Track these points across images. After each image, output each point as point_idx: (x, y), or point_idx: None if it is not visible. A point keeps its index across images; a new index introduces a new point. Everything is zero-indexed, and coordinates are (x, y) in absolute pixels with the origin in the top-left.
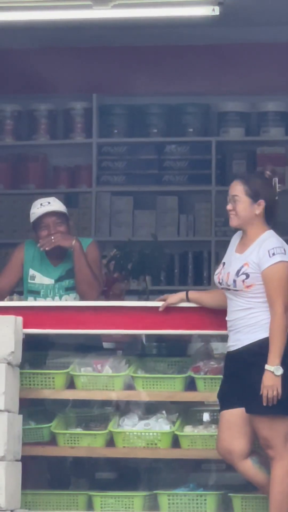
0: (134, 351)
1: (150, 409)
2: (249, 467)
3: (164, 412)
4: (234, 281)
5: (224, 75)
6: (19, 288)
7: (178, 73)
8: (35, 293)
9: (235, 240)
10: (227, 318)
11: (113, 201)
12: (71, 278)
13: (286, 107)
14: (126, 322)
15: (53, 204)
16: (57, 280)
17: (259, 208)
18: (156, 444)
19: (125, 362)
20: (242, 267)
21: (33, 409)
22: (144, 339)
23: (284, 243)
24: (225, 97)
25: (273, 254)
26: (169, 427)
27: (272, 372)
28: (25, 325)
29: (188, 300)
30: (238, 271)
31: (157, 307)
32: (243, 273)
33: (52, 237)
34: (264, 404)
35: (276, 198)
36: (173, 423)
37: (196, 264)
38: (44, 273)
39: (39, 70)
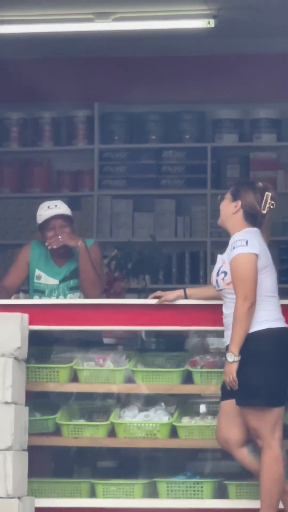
0: (134, 346)
1: (149, 401)
2: (245, 455)
3: (162, 404)
4: (216, 281)
5: (219, 84)
6: (24, 287)
7: (175, 82)
8: (41, 292)
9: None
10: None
11: (114, 204)
12: (75, 278)
13: (278, 114)
14: (126, 318)
15: (60, 207)
16: (62, 280)
17: (235, 208)
18: (155, 434)
19: (126, 356)
20: (221, 266)
21: (38, 401)
22: (143, 335)
23: (252, 236)
24: (220, 105)
25: (234, 247)
26: (168, 418)
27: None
28: (31, 322)
29: (186, 297)
30: (218, 271)
31: (155, 304)
32: (222, 272)
33: (60, 237)
34: (228, 388)
35: (264, 211)
36: (171, 414)
37: (193, 263)
38: (49, 274)
39: (43, 80)
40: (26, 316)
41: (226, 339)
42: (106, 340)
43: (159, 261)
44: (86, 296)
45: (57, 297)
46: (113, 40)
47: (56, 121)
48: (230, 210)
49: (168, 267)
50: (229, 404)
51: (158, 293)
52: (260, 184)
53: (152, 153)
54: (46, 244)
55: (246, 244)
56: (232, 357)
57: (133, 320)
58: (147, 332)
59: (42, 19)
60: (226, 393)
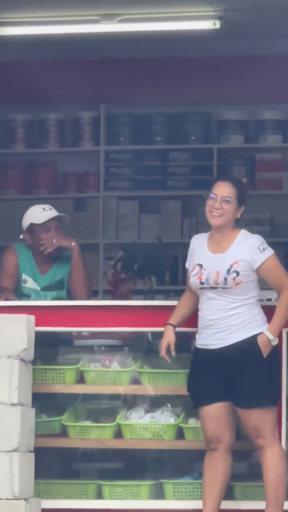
0: (140, 347)
1: (155, 402)
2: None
3: (169, 405)
4: (225, 279)
5: (224, 85)
6: None
7: (180, 83)
8: (27, 297)
9: (200, 241)
10: (204, 316)
11: (120, 205)
12: (59, 289)
13: (283, 115)
14: (133, 320)
15: (53, 210)
16: (44, 289)
17: (239, 212)
18: (161, 435)
19: (132, 358)
20: (232, 265)
21: (44, 402)
22: (149, 336)
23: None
24: (225, 106)
25: (263, 249)
26: (174, 419)
27: (269, 340)
28: (37, 323)
29: (175, 328)
30: (228, 270)
31: (161, 306)
32: (234, 271)
33: (54, 240)
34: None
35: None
36: (178, 416)
37: None
38: (33, 279)
39: (49, 81)
40: (32, 317)
41: (219, 342)
42: (111, 342)
43: (165, 262)
44: (76, 296)
45: None
46: (118, 42)
47: (62, 122)
48: (235, 215)
49: (174, 268)
50: (215, 408)
51: (163, 346)
52: (245, 180)
53: (158, 155)
54: (42, 247)
55: (267, 245)
56: (276, 341)
57: (139, 321)
58: (152, 333)
59: (48, 21)
60: (209, 397)
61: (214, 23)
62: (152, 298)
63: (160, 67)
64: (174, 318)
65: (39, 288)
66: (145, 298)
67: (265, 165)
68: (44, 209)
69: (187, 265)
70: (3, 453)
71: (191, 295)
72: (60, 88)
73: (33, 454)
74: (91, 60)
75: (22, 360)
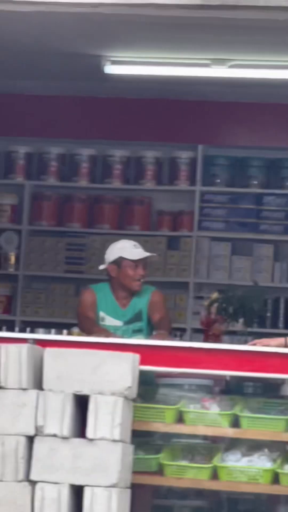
0: (235, 390)
1: (252, 446)
2: None
3: (266, 450)
4: None
5: None
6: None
7: (279, 129)
8: None
9: None
10: None
11: (212, 246)
12: (138, 321)
13: None
14: (234, 363)
15: (142, 248)
16: (126, 323)
17: None
18: (257, 479)
19: (231, 401)
20: None
21: (141, 440)
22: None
23: None
24: None
25: None
26: (271, 464)
27: None
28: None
29: (286, 345)
30: None
31: (261, 352)
32: None
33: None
34: None
35: None
36: (274, 461)
37: None
38: (113, 315)
39: (148, 119)
40: (137, 356)
41: None
42: (201, 381)
43: (259, 306)
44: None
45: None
46: (220, 85)
47: (159, 161)
48: None
49: (263, 311)
50: None
51: (257, 341)
52: None
53: (253, 198)
54: (136, 284)
55: None
56: None
57: (240, 365)
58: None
59: (157, 62)
60: None
61: None
62: (246, 341)
63: (259, 111)
64: None
65: (121, 323)
66: (237, 341)
67: None
68: (135, 245)
69: None
70: (103, 488)
71: None
72: (160, 127)
73: (129, 490)
74: (192, 101)
75: (125, 398)
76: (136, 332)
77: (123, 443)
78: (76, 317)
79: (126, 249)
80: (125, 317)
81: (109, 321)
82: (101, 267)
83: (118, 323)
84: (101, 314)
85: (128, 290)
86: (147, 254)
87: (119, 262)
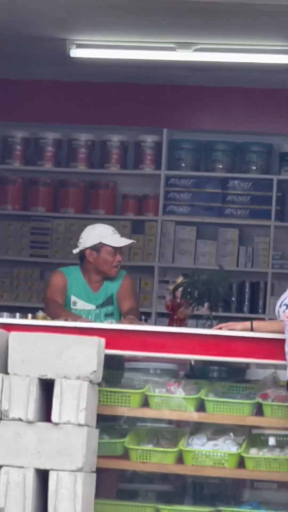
0: (201, 374)
1: (218, 431)
2: None
3: (231, 434)
4: (278, 311)
5: None
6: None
7: (245, 113)
8: None
9: None
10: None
11: (177, 230)
12: (110, 305)
13: None
14: (199, 348)
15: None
16: (99, 306)
17: None
18: (223, 464)
19: (196, 385)
20: (285, 298)
21: (106, 424)
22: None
23: None
24: None
25: None
26: (236, 448)
27: None
28: (106, 346)
29: (252, 329)
30: (281, 302)
31: (226, 336)
32: (284, 304)
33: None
34: None
35: None
36: (240, 445)
37: (253, 293)
38: (85, 299)
39: (114, 103)
40: (103, 340)
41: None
42: (166, 366)
43: (224, 290)
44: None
45: (94, 322)
46: (187, 69)
47: (125, 145)
48: None
49: (228, 295)
50: None
51: (222, 325)
52: None
53: (218, 182)
54: (114, 270)
55: None
56: None
57: (206, 349)
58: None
59: (123, 45)
60: None
61: None
62: (211, 325)
63: (225, 96)
64: (259, 322)
65: (94, 307)
66: (202, 325)
67: None
68: (114, 231)
69: None
70: (68, 473)
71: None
72: (125, 111)
73: (95, 474)
74: (157, 85)
75: (90, 381)
76: (109, 316)
77: (88, 427)
78: (41, 301)
79: (107, 235)
80: (98, 300)
81: (81, 305)
82: (76, 250)
83: (90, 307)
84: (73, 298)
85: (102, 275)
86: (129, 241)
87: (98, 247)
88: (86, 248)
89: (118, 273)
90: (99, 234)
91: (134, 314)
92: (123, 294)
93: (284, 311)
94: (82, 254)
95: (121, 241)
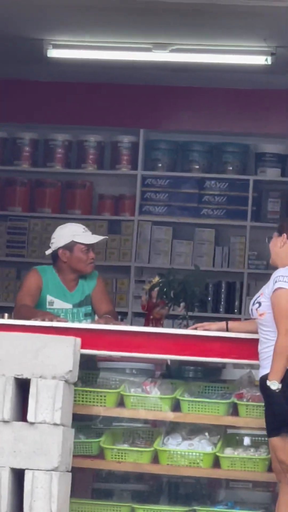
0: (176, 374)
1: (193, 430)
2: None
3: (206, 434)
4: (251, 309)
5: (264, 118)
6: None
7: (221, 114)
8: None
9: None
10: None
11: (154, 230)
12: (88, 304)
13: None
14: (176, 348)
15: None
16: (76, 305)
17: (281, 242)
18: (198, 463)
19: (172, 385)
20: (258, 296)
21: (82, 423)
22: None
23: None
24: (264, 139)
25: (275, 281)
26: (211, 448)
27: (269, 386)
28: (82, 346)
29: (227, 330)
30: (254, 300)
31: (202, 336)
32: (257, 302)
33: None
34: None
35: None
36: (215, 445)
37: (229, 293)
38: (62, 299)
39: (91, 104)
40: (78, 340)
41: (261, 371)
42: (145, 365)
43: (200, 290)
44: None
45: (73, 321)
46: (164, 70)
47: (101, 145)
48: (277, 245)
49: (204, 296)
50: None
51: (198, 325)
52: None
53: (194, 183)
54: (89, 266)
55: (284, 278)
56: (276, 385)
57: (182, 349)
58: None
59: (99, 46)
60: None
61: (266, 59)
62: (187, 325)
63: (201, 96)
64: (234, 323)
65: (71, 306)
66: (173, 324)
67: None
68: (84, 229)
69: None
70: (44, 472)
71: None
72: (102, 111)
73: (70, 473)
74: (134, 85)
75: (66, 381)
76: (88, 315)
77: (64, 426)
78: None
79: (78, 233)
80: (74, 299)
81: (58, 304)
82: (48, 251)
83: (67, 306)
84: (49, 298)
85: (77, 273)
86: (101, 237)
87: (70, 246)
88: (59, 248)
89: (93, 268)
90: (70, 233)
91: (113, 316)
92: (98, 297)
93: (257, 309)
94: (54, 254)
95: (93, 238)
